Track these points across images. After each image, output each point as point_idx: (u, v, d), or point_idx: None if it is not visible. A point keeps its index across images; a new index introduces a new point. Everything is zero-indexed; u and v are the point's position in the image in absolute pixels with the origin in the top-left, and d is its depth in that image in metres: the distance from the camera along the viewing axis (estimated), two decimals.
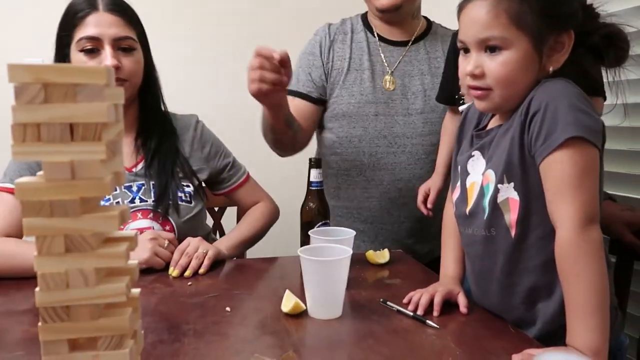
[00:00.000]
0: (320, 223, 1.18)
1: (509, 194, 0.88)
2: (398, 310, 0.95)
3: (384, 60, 1.47)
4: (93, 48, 1.17)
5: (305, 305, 0.94)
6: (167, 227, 1.26)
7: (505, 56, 0.85)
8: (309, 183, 1.18)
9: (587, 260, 0.78)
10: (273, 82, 1.10)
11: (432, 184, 1.37)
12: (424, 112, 1.45)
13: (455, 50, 1.08)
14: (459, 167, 1.01)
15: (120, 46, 1.19)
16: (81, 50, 1.17)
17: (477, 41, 0.87)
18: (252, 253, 1.51)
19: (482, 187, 0.93)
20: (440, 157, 1.39)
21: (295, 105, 1.42)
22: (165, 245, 1.17)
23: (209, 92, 2.28)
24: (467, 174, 0.97)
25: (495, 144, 0.91)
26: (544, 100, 0.82)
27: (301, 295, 0.96)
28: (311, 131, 1.51)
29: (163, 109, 1.35)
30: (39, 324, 0.51)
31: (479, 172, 0.94)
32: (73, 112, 0.46)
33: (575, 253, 0.78)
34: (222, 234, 1.67)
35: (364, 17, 1.54)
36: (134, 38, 1.22)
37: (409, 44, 1.49)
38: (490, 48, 0.86)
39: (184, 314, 0.94)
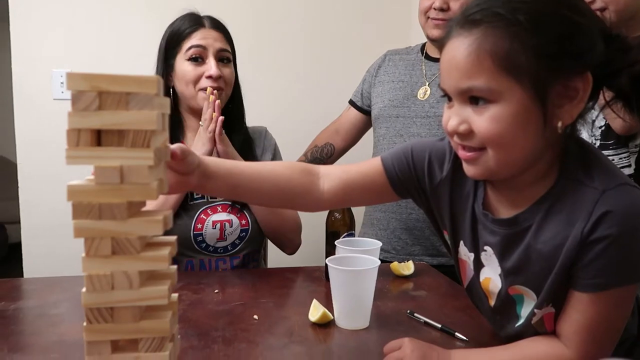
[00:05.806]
0: (346, 233, 1.18)
1: (546, 311, 0.75)
2: (425, 322, 0.95)
3: (424, 73, 1.61)
4: (198, 57, 1.31)
5: (333, 315, 0.95)
6: (244, 221, 1.35)
7: (493, 111, 0.65)
8: None
9: None
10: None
11: None
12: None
13: None
14: (465, 245, 0.83)
15: (221, 57, 1.34)
16: (188, 59, 1.32)
17: (458, 91, 0.67)
18: (276, 263, 1.52)
19: (509, 295, 0.78)
20: None
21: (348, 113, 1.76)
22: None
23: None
24: (482, 265, 0.81)
25: (523, 253, 0.73)
26: (615, 230, 0.65)
27: (327, 305, 0.96)
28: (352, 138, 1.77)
29: (245, 121, 1.46)
30: (84, 324, 0.52)
31: (494, 272, 0.79)
32: (125, 119, 0.48)
33: None
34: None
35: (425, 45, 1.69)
36: (230, 52, 1.38)
37: None
38: (475, 99, 0.66)
39: (213, 321, 0.95)
